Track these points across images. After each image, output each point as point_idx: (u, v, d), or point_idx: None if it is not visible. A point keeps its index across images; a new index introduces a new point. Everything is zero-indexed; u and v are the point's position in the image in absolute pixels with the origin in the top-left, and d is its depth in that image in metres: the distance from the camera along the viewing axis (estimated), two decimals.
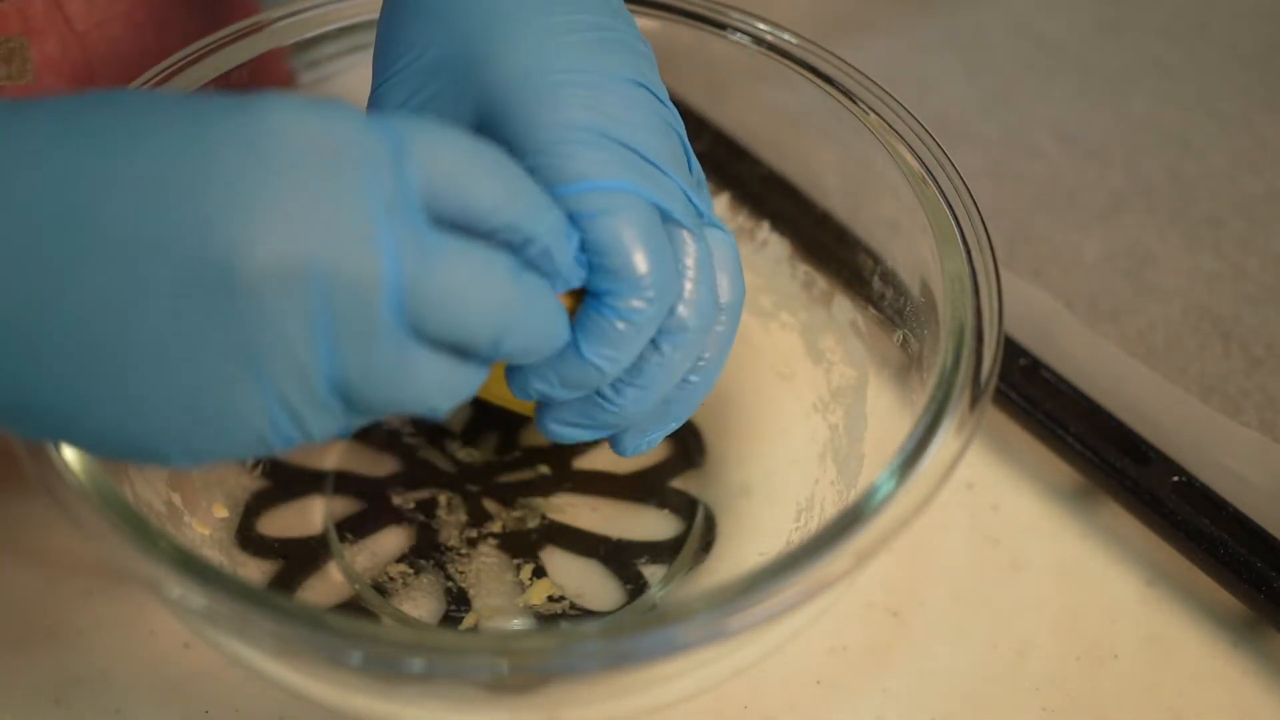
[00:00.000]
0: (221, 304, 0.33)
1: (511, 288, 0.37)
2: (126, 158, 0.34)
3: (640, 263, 0.40)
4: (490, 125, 0.41)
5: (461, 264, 0.36)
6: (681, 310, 0.42)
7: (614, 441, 0.45)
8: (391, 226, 0.34)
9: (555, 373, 0.41)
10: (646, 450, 0.46)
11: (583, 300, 0.41)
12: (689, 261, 0.42)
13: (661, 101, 0.43)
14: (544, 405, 0.44)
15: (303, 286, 0.34)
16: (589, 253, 0.40)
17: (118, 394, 0.34)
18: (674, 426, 0.45)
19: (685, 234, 0.42)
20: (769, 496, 0.52)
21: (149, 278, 0.33)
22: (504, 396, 0.50)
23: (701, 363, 0.44)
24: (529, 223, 0.38)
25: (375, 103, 0.43)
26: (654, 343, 0.42)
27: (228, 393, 0.34)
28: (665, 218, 0.41)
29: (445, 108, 0.42)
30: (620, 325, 0.40)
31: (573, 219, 0.40)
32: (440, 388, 0.37)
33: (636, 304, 0.40)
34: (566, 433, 0.44)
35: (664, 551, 0.52)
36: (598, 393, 0.42)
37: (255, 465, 0.52)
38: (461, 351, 0.37)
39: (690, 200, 0.43)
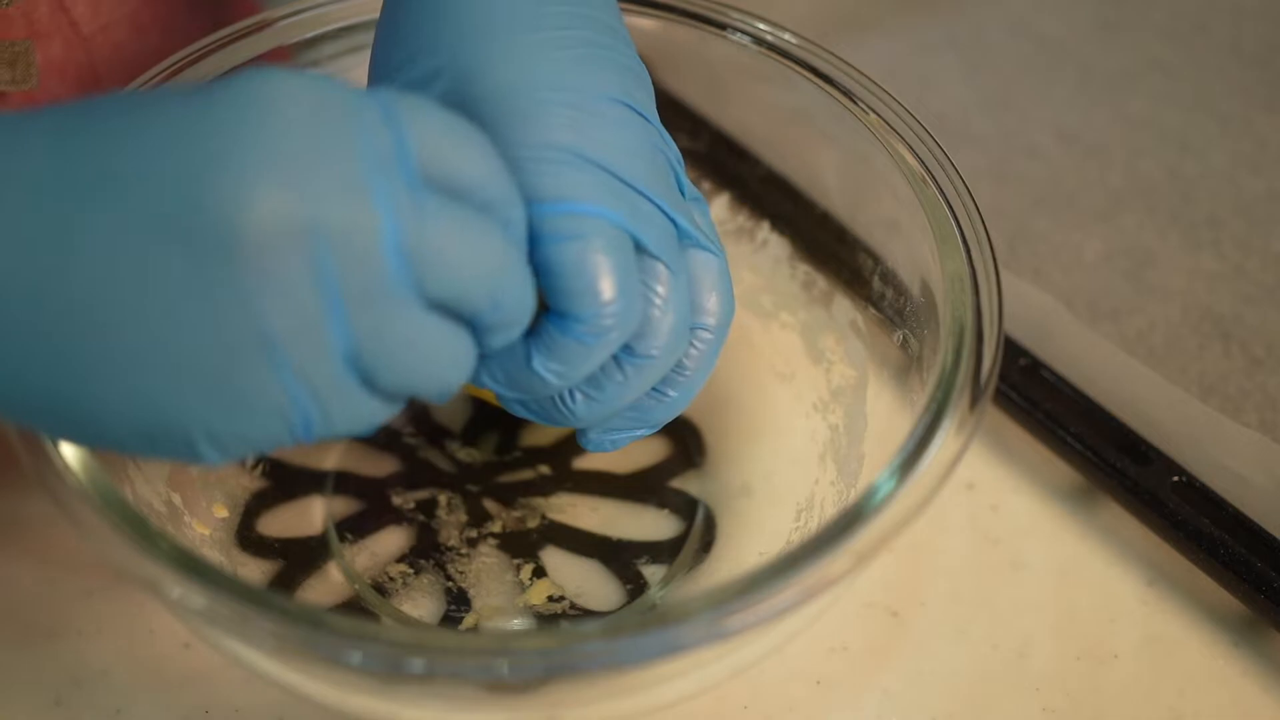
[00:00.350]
0: (224, 265, 0.33)
1: (504, 249, 0.37)
2: (124, 134, 0.34)
3: (604, 290, 0.40)
4: None
5: (457, 222, 0.36)
6: (648, 339, 0.42)
7: (579, 434, 0.46)
8: (388, 184, 0.35)
9: (503, 372, 0.41)
10: (612, 450, 0.46)
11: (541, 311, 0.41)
12: (661, 291, 0.42)
13: (650, 122, 0.43)
14: None
15: (304, 243, 0.34)
16: (554, 274, 0.40)
17: (134, 377, 0.34)
18: (644, 433, 0.46)
19: (658, 265, 0.42)
20: (769, 496, 0.52)
21: (151, 246, 0.33)
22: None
23: (681, 378, 0.44)
24: (509, 204, 0.38)
25: None
26: (618, 362, 0.42)
27: (243, 363, 0.34)
28: (638, 246, 0.41)
29: None
30: (573, 345, 0.40)
31: (543, 239, 0.40)
32: (447, 356, 0.37)
33: (593, 330, 0.40)
34: (520, 410, 0.44)
35: (664, 551, 0.52)
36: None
37: (255, 465, 0.52)
38: (461, 318, 0.37)
39: (675, 223, 0.42)
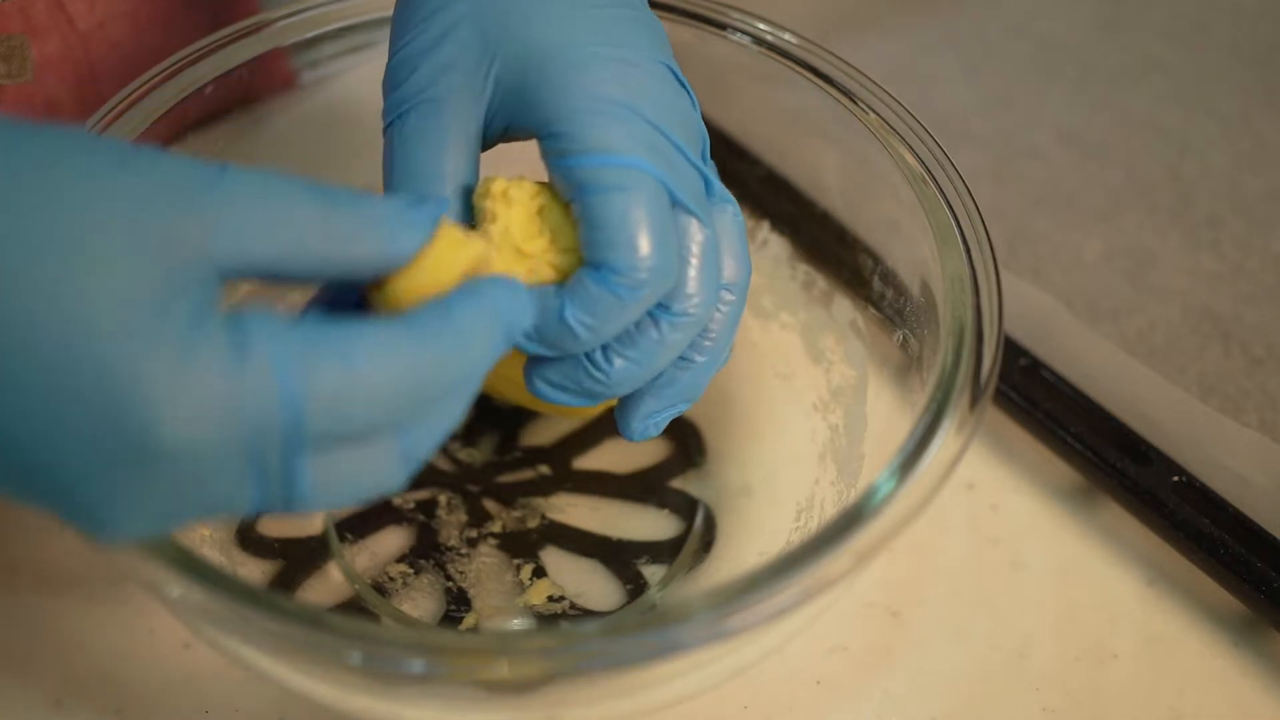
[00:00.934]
0: (140, 467, 0.33)
1: (380, 475, 0.36)
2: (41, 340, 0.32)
3: (641, 244, 0.40)
4: (517, 90, 0.42)
5: (337, 479, 0.35)
6: (684, 294, 0.42)
7: (620, 423, 0.45)
8: (264, 480, 0.34)
9: (534, 327, 0.41)
10: (655, 434, 0.46)
11: (580, 264, 0.42)
12: (694, 248, 0.42)
13: (682, 84, 0.44)
14: (532, 360, 0.43)
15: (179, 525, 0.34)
16: (595, 225, 0.40)
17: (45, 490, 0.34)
18: (681, 408, 0.45)
19: (693, 221, 0.42)
20: (769, 496, 0.52)
21: (60, 429, 0.32)
22: (504, 391, 0.50)
23: (707, 342, 0.44)
24: (407, 414, 0.36)
25: (396, 67, 0.43)
26: (654, 319, 0.42)
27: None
28: (674, 201, 0.42)
29: (470, 70, 0.42)
30: (608, 298, 0.41)
31: (586, 189, 0.40)
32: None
33: (629, 282, 0.41)
34: (551, 393, 0.44)
35: (664, 551, 0.52)
36: (588, 357, 0.43)
37: None
38: None
39: (706, 180, 0.43)
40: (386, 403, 0.35)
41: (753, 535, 0.51)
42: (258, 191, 0.34)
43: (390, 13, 0.44)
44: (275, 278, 0.35)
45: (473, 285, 0.38)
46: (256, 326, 0.34)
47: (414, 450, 0.37)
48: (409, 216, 0.37)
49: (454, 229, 0.39)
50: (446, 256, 0.38)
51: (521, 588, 0.50)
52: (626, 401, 0.45)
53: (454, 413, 0.37)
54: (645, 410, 0.45)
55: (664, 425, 0.46)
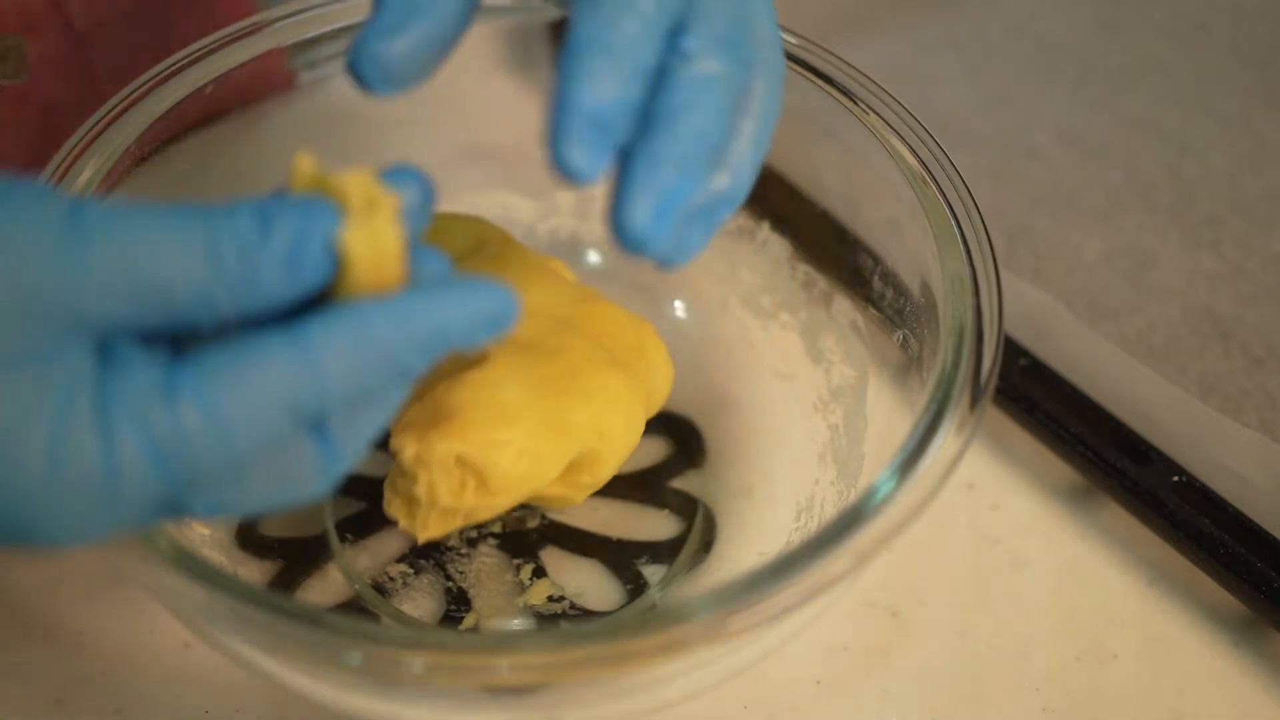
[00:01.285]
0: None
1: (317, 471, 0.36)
2: None
3: None
4: None
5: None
6: (698, 17, 0.37)
7: (626, 216, 0.35)
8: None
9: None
10: (692, 245, 0.37)
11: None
12: None
13: None
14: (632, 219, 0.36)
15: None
16: None
17: None
18: (724, 212, 0.37)
19: None
20: (769, 496, 0.52)
21: None
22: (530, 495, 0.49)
23: (752, 103, 0.38)
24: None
25: None
26: (676, 48, 0.36)
27: None
28: None
29: None
30: (609, 10, 0.35)
31: None
32: None
33: None
34: (676, 229, 0.36)
35: (664, 551, 0.52)
36: (653, 151, 0.35)
37: None
38: None
39: None
40: (271, 427, 0.33)
41: (753, 535, 0.51)
42: (126, 264, 0.32)
43: None
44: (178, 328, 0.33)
45: (417, 298, 0.34)
46: (120, 406, 0.32)
47: (334, 458, 0.35)
48: (295, 268, 0.33)
49: (368, 204, 0.34)
50: (369, 255, 0.34)
51: (521, 588, 0.50)
52: (638, 178, 0.36)
53: (376, 419, 0.35)
54: (658, 185, 0.35)
55: (709, 231, 0.37)
